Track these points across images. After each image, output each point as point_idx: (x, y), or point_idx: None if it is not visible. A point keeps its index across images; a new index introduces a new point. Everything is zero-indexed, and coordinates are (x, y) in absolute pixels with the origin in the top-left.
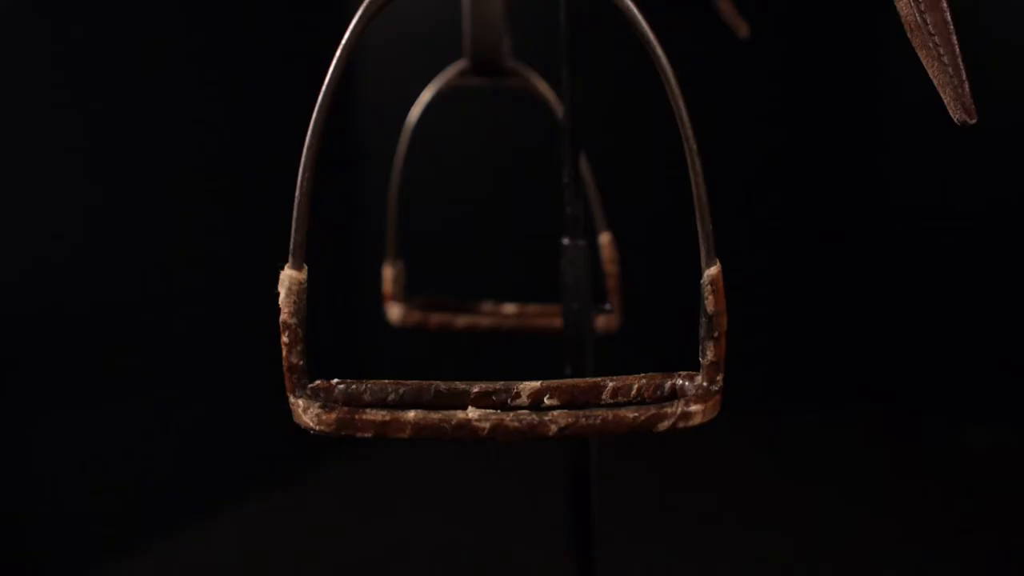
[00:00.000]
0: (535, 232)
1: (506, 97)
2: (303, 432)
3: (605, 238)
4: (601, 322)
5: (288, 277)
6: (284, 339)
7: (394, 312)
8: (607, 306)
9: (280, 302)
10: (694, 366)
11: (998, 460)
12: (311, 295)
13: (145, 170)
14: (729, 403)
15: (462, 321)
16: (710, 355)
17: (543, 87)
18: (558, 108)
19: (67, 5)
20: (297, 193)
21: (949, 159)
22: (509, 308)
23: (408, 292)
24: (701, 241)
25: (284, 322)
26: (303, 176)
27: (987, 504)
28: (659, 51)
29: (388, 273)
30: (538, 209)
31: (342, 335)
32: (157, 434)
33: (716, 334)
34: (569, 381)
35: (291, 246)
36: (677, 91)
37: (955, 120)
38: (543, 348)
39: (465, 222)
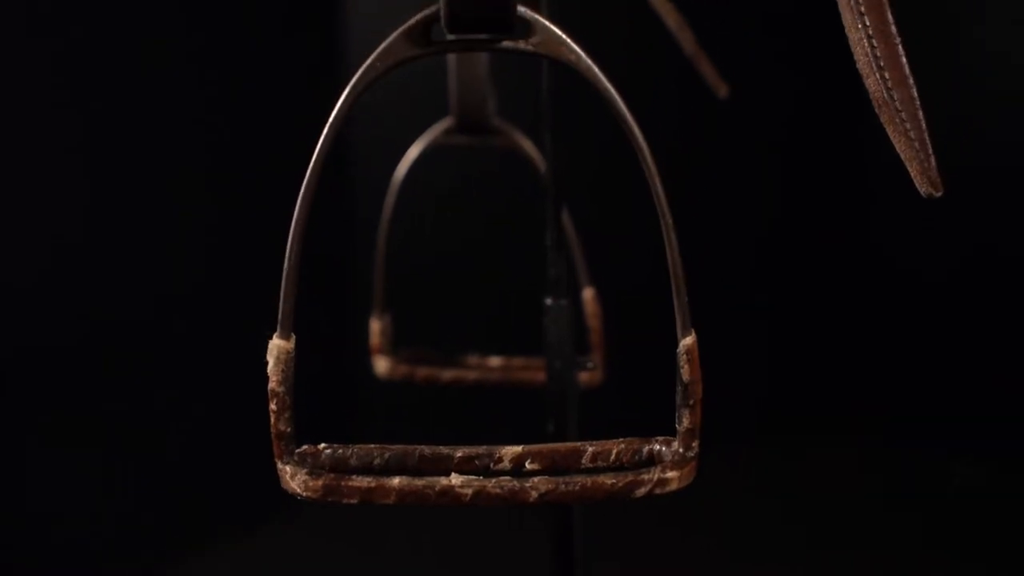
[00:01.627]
0: (519, 282)
1: (491, 154)
2: None
3: (588, 293)
4: (584, 378)
5: (276, 347)
6: (272, 407)
7: (381, 365)
8: (589, 363)
9: (268, 371)
10: (674, 419)
11: (989, 494)
12: (301, 357)
13: (148, 176)
14: (720, 436)
15: (448, 375)
16: (686, 422)
17: (527, 145)
18: (542, 166)
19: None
20: (285, 266)
21: (935, 208)
22: (494, 361)
23: (395, 344)
24: (677, 312)
25: (272, 390)
26: (291, 249)
27: (980, 538)
28: (636, 129)
29: (375, 326)
30: (523, 260)
31: (333, 381)
32: (153, 452)
33: (691, 402)
34: (550, 446)
35: (279, 316)
36: (653, 168)
37: (922, 193)
38: (528, 397)
39: (451, 273)
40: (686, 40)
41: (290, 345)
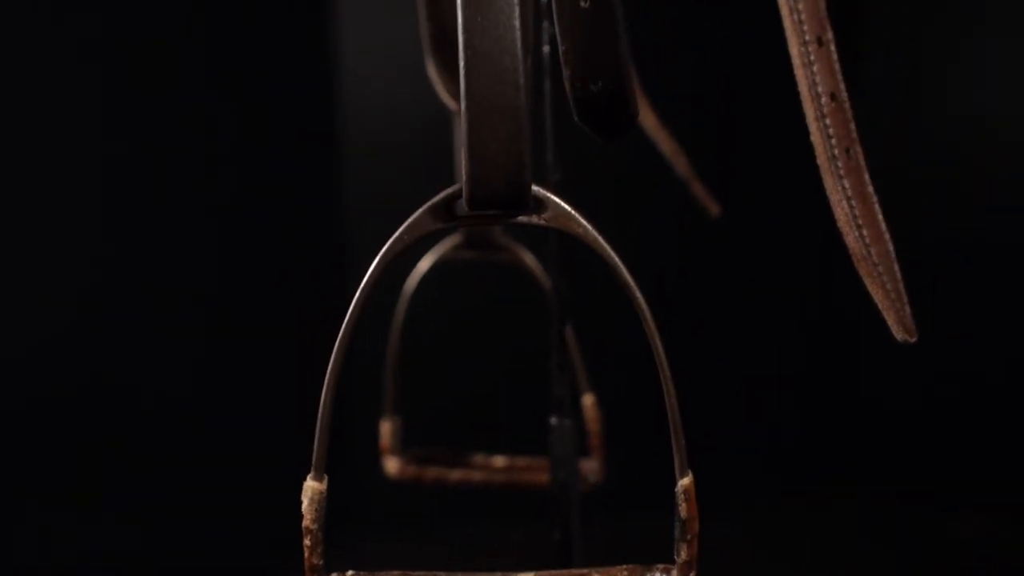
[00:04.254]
0: (523, 380)
1: (496, 269)
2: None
3: (588, 400)
4: (586, 486)
5: (311, 488)
6: (306, 542)
7: (391, 465)
8: (591, 477)
9: (303, 510)
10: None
11: (992, 548)
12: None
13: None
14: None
15: (456, 475)
16: (684, 555)
17: (530, 260)
18: (545, 281)
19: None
20: (320, 414)
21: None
22: (499, 461)
23: (403, 442)
24: (675, 455)
25: (306, 528)
26: (324, 401)
27: None
28: (638, 294)
29: (386, 428)
30: (526, 365)
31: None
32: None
33: (689, 536)
34: (558, 573)
35: (313, 459)
36: (654, 330)
37: (897, 338)
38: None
39: (458, 375)
40: (680, 165)
41: (323, 486)
